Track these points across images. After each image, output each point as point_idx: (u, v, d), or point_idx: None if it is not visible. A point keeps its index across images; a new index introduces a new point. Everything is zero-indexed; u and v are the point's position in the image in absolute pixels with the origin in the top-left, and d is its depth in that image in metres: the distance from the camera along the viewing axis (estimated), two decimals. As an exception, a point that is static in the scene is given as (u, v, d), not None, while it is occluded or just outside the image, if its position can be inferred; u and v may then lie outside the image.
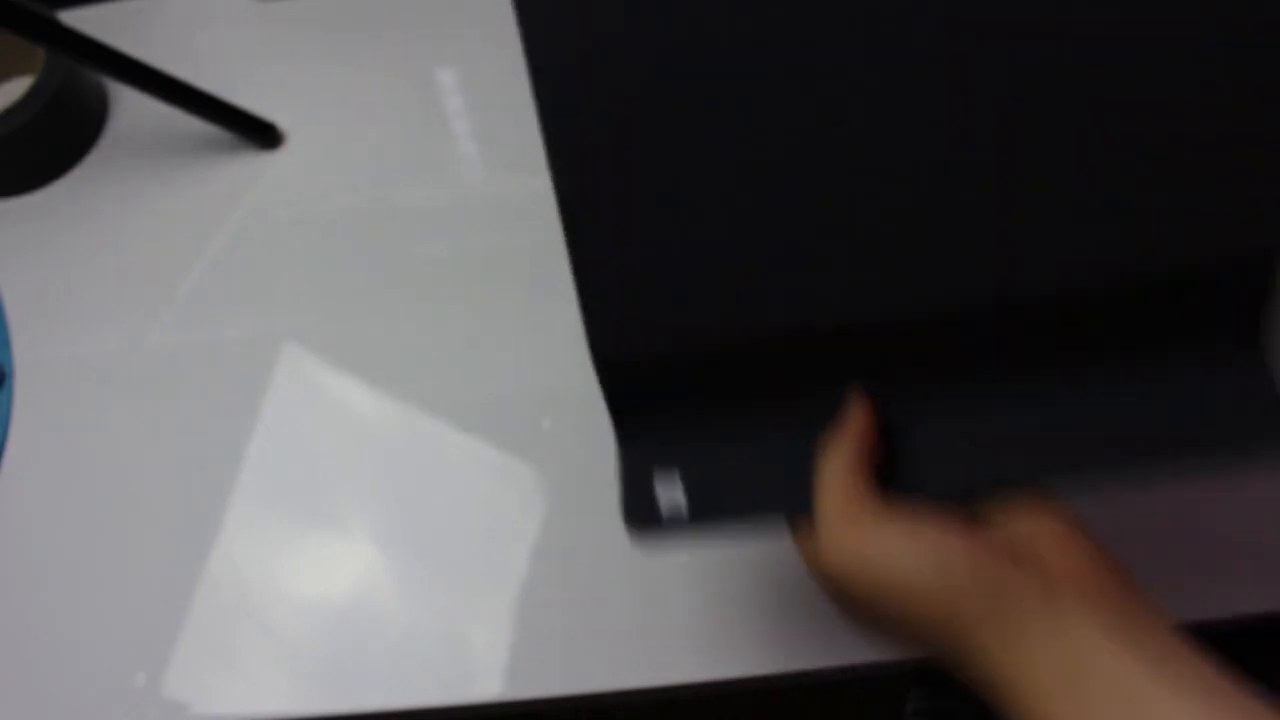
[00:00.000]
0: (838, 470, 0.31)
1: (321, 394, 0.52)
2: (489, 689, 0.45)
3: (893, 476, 0.32)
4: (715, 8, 0.29)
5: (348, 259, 0.55)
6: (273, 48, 0.62)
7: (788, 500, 0.32)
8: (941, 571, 0.29)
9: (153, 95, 0.54)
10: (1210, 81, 0.28)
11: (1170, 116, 0.28)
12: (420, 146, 0.57)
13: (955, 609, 0.29)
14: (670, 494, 0.33)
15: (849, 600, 0.31)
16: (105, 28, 0.55)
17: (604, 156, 0.30)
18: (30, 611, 0.49)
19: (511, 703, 0.45)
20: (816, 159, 0.30)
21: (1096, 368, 0.31)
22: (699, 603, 0.43)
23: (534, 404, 0.50)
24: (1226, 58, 0.28)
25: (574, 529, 0.47)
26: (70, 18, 0.61)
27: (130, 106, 0.61)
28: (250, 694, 0.46)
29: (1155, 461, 0.30)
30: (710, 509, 0.32)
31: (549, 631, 0.45)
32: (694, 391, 0.33)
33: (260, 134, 0.58)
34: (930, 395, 0.32)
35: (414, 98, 0.59)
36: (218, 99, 0.56)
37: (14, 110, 0.56)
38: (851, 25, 0.29)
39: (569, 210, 0.31)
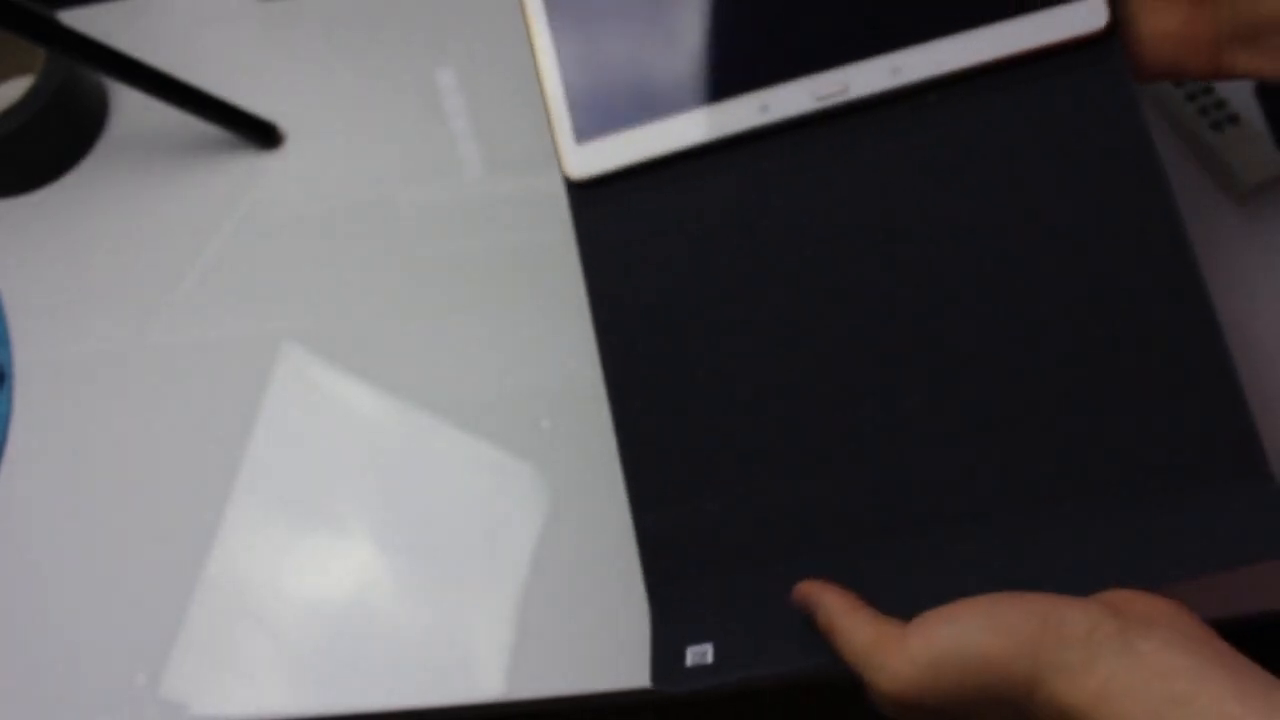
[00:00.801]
0: (840, 611, 0.31)
1: (321, 394, 0.52)
2: (489, 689, 0.45)
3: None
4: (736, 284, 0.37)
5: (348, 259, 0.55)
6: (273, 48, 0.62)
7: (810, 653, 0.33)
8: (1003, 631, 0.28)
9: (153, 95, 0.54)
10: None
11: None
12: (420, 146, 0.57)
13: (1028, 664, 0.27)
14: (699, 654, 0.34)
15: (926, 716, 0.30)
16: (105, 28, 0.55)
17: (648, 361, 0.38)
18: (30, 611, 0.49)
19: (511, 703, 0.45)
20: (811, 369, 0.37)
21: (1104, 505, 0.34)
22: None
23: (534, 404, 0.50)
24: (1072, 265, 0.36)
25: (574, 529, 0.47)
26: (70, 18, 0.61)
27: (130, 106, 0.61)
28: (250, 694, 0.46)
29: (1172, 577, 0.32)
30: (737, 665, 0.34)
31: (549, 631, 0.45)
32: (723, 558, 0.36)
33: (260, 134, 0.58)
34: (954, 538, 0.35)
35: (414, 97, 0.59)
36: (218, 99, 0.56)
37: (14, 110, 0.56)
38: (839, 303, 0.37)
39: (620, 407, 0.38)
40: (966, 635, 0.29)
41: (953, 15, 0.37)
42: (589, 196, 0.39)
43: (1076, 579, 0.31)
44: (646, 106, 0.38)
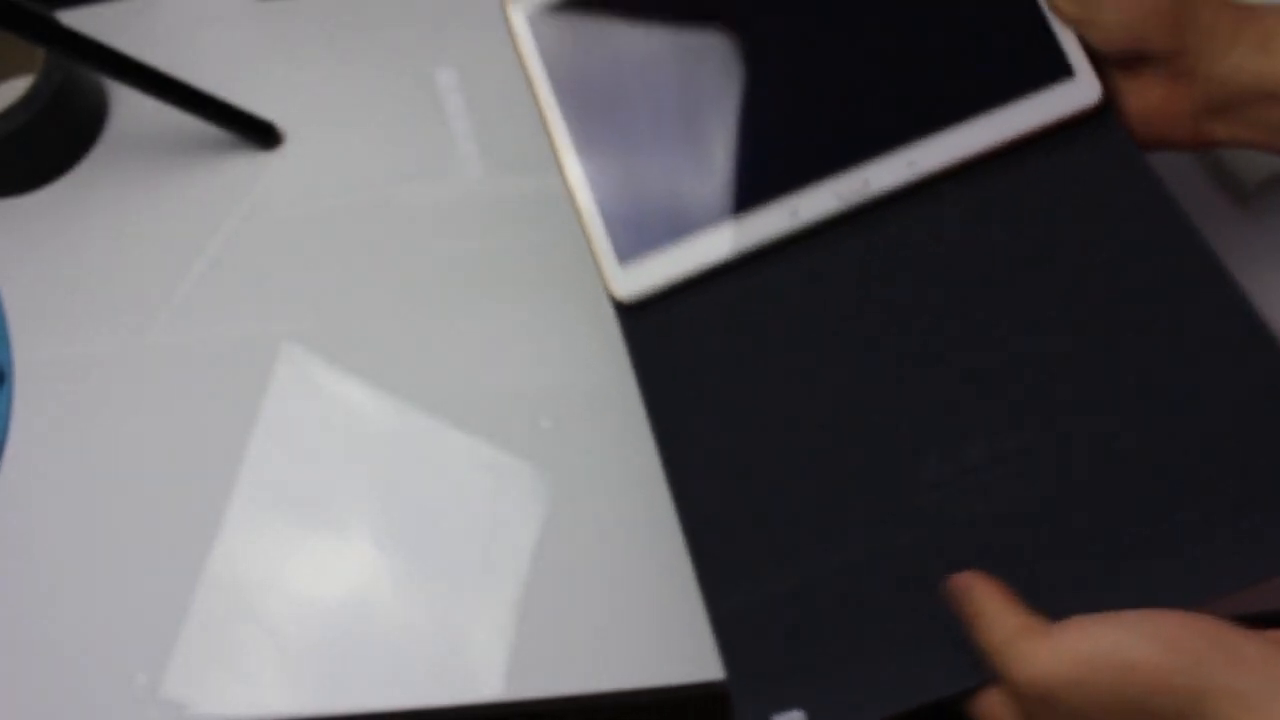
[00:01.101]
0: (990, 597, 0.31)
1: (321, 394, 0.52)
2: (489, 689, 0.45)
3: None
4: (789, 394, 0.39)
5: (347, 259, 0.55)
6: (273, 48, 0.62)
7: (922, 690, 0.34)
8: (1166, 643, 0.28)
9: (153, 95, 0.54)
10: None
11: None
12: (420, 146, 0.57)
13: (1193, 680, 0.27)
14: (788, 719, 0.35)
15: None
16: (105, 28, 0.55)
17: (708, 461, 0.39)
18: (30, 611, 0.49)
19: (511, 703, 0.45)
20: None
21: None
22: (699, 602, 0.42)
23: (534, 404, 0.50)
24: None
25: (574, 529, 0.47)
26: (70, 18, 0.61)
27: (130, 106, 0.61)
28: (250, 694, 0.46)
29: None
30: (836, 716, 0.35)
31: (549, 631, 0.45)
32: (803, 630, 0.36)
33: (260, 134, 0.58)
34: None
35: (414, 98, 0.59)
36: (217, 99, 0.56)
37: (14, 110, 0.56)
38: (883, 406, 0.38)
39: (685, 505, 0.39)
40: (1128, 640, 0.28)
41: (959, 106, 0.40)
42: (637, 314, 0.41)
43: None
44: (684, 222, 0.40)
